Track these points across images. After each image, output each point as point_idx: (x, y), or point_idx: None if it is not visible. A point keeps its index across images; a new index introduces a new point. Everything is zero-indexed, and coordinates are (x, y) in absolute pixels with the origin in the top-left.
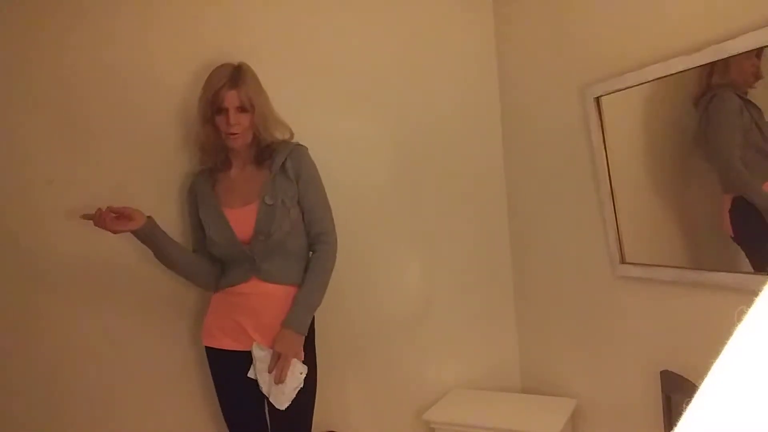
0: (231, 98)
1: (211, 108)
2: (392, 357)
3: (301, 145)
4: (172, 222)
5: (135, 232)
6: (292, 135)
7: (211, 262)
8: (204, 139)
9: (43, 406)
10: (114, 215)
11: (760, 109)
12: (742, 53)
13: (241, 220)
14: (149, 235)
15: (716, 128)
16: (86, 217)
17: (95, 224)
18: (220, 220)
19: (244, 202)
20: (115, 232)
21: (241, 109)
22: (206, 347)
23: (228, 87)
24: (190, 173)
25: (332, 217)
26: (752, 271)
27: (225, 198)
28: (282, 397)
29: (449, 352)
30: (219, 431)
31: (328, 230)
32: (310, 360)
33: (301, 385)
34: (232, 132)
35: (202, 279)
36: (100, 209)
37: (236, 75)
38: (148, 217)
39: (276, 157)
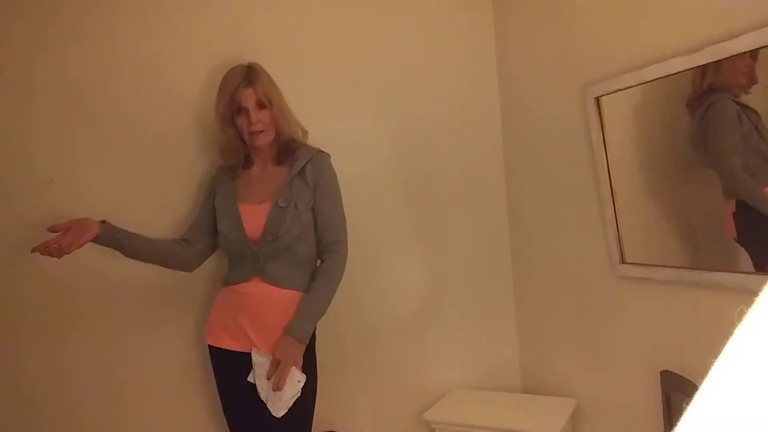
0: (248, 96)
1: (230, 110)
2: (392, 357)
3: (324, 152)
4: (178, 222)
5: (95, 240)
6: (306, 134)
7: (186, 246)
8: (225, 142)
9: (45, 404)
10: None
11: (758, 113)
12: (736, 54)
13: (253, 217)
14: (110, 239)
15: (715, 138)
16: (38, 248)
17: (45, 254)
18: (232, 215)
19: (259, 200)
20: (70, 251)
21: (260, 105)
22: (209, 346)
23: (244, 86)
24: (203, 174)
25: (346, 228)
26: (753, 271)
27: (242, 193)
28: (279, 404)
29: (449, 352)
30: (221, 431)
31: (340, 240)
32: (310, 368)
33: (299, 394)
34: (256, 130)
35: (179, 264)
36: (51, 241)
37: (250, 73)
38: (102, 221)
39: (297, 160)
